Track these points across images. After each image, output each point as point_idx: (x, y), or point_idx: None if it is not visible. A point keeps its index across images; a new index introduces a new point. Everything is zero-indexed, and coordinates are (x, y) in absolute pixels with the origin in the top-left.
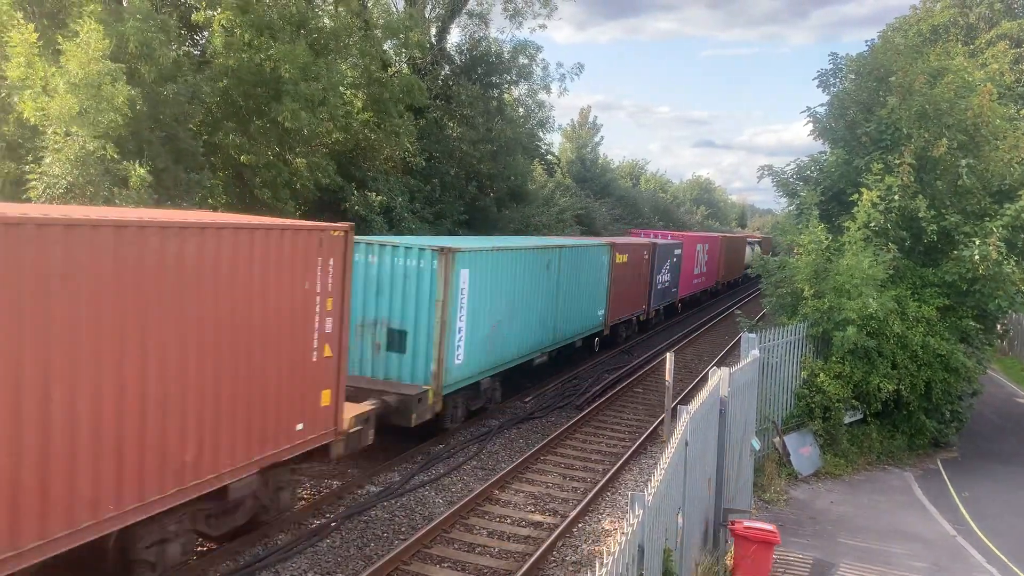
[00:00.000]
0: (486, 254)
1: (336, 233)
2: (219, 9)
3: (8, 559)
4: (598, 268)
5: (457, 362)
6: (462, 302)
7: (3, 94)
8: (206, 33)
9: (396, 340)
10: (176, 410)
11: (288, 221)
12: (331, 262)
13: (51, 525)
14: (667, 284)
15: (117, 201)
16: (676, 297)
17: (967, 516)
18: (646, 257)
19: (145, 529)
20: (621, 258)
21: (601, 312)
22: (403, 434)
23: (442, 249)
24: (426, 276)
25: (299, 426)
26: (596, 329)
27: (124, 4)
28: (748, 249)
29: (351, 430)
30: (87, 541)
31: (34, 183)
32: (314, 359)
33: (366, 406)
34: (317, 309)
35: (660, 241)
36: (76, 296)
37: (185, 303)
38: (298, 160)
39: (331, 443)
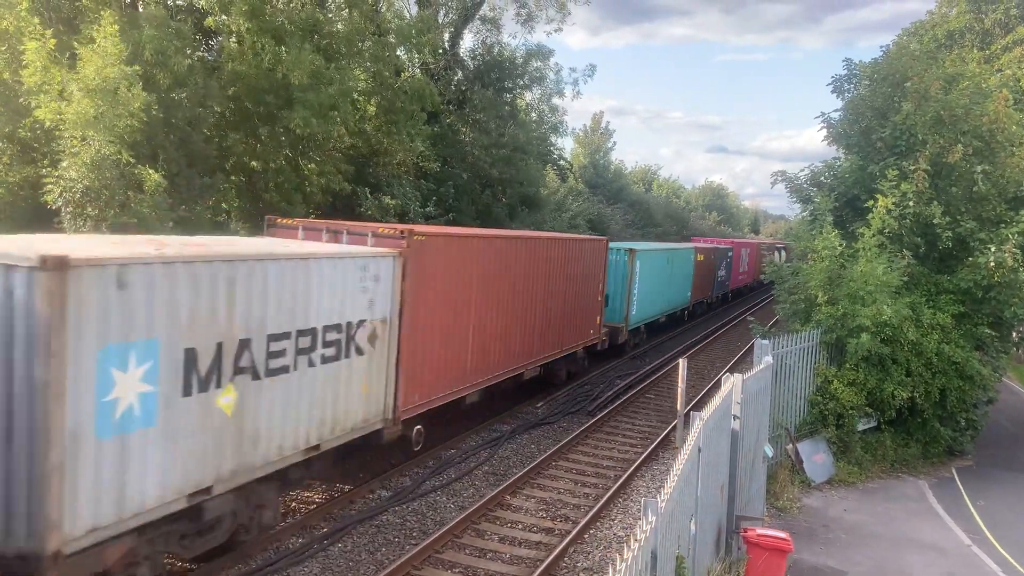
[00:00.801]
0: (647, 252)
1: (603, 240)
2: (231, 14)
3: (525, 365)
4: (688, 264)
5: (632, 313)
6: (636, 280)
7: (20, 99)
8: (220, 38)
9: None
10: (565, 319)
11: (590, 236)
12: (603, 255)
13: (524, 360)
14: (723, 278)
15: (132, 205)
16: (728, 288)
17: (982, 525)
18: (712, 257)
19: (555, 363)
20: (700, 257)
21: (688, 294)
22: (603, 353)
23: (630, 250)
24: (621, 264)
25: (591, 331)
26: (685, 306)
27: (140, 10)
28: (776, 254)
29: (603, 337)
30: (542, 363)
31: (51, 186)
32: (597, 300)
33: (603, 327)
34: (597, 276)
35: (718, 245)
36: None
37: (568, 275)
38: (310, 166)
39: (598, 342)
